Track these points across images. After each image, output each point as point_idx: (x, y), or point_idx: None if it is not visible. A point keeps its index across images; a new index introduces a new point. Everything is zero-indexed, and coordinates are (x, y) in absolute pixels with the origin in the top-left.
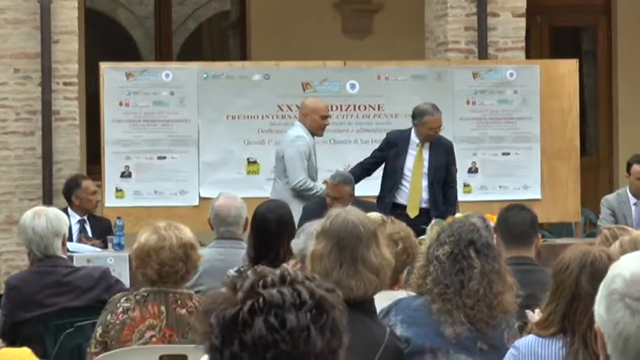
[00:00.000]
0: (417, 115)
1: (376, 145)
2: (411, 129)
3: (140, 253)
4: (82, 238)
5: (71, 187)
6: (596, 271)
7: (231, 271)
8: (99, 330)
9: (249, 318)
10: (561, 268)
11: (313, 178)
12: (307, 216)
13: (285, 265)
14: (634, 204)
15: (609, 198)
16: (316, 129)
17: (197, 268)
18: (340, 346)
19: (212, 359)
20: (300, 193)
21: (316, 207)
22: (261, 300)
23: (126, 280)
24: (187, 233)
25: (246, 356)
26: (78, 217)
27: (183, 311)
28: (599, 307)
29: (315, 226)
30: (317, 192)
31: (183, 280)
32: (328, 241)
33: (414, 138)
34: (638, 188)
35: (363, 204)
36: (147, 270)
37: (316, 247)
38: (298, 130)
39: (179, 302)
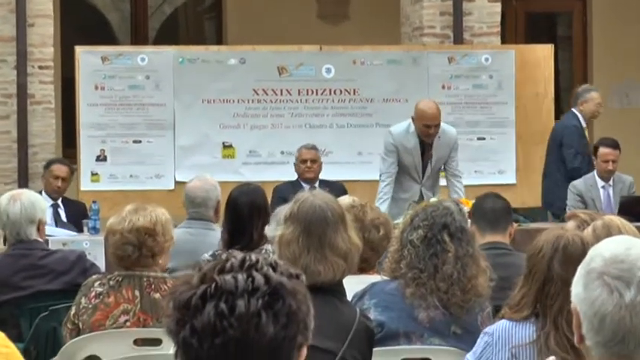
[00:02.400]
0: (580, 95)
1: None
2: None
3: (106, 234)
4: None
5: (45, 168)
6: (568, 254)
7: (206, 255)
8: (73, 309)
9: (200, 303)
10: (535, 251)
11: (410, 175)
12: (278, 197)
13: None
14: (602, 187)
15: (576, 183)
16: (421, 135)
17: (159, 253)
18: (299, 332)
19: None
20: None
21: (287, 188)
22: (213, 285)
23: (101, 264)
24: (146, 218)
25: (195, 342)
26: (51, 202)
27: (157, 295)
28: (576, 286)
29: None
30: (380, 193)
31: (147, 265)
32: (296, 226)
33: (582, 122)
34: (605, 171)
35: (331, 185)
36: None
37: (284, 232)
38: (399, 126)
39: (153, 286)
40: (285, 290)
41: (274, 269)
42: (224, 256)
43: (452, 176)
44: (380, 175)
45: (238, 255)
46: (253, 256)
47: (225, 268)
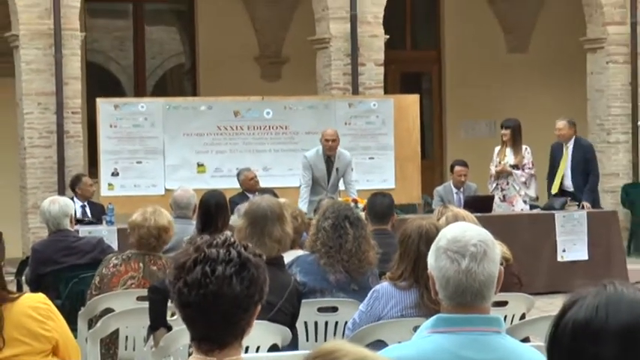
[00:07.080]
0: None
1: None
2: None
3: (130, 225)
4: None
5: (75, 182)
6: (429, 238)
7: (186, 238)
8: (97, 279)
9: (192, 265)
10: (405, 237)
11: (319, 183)
12: (232, 204)
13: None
14: (455, 193)
15: (439, 189)
16: (326, 150)
17: (167, 242)
18: (257, 293)
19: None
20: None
21: (238, 198)
22: (202, 254)
23: (115, 247)
24: (164, 219)
25: (186, 291)
26: (80, 203)
27: (155, 267)
28: (430, 258)
29: (242, 208)
30: (302, 197)
31: (155, 250)
32: (245, 219)
33: None
34: (458, 182)
35: (266, 192)
36: (131, 238)
37: (239, 223)
38: (311, 151)
39: (152, 261)
40: (251, 263)
41: (245, 249)
42: (210, 237)
43: (348, 184)
44: (300, 186)
45: (222, 237)
46: (232, 238)
47: (212, 244)
